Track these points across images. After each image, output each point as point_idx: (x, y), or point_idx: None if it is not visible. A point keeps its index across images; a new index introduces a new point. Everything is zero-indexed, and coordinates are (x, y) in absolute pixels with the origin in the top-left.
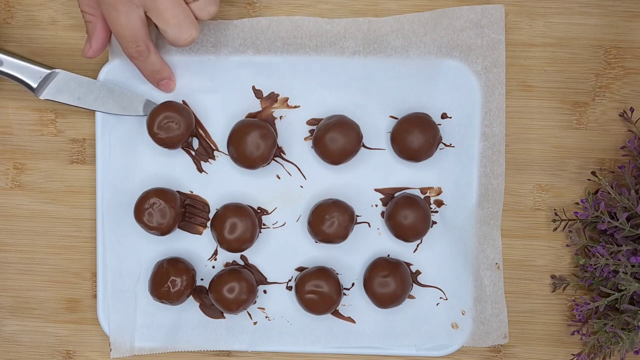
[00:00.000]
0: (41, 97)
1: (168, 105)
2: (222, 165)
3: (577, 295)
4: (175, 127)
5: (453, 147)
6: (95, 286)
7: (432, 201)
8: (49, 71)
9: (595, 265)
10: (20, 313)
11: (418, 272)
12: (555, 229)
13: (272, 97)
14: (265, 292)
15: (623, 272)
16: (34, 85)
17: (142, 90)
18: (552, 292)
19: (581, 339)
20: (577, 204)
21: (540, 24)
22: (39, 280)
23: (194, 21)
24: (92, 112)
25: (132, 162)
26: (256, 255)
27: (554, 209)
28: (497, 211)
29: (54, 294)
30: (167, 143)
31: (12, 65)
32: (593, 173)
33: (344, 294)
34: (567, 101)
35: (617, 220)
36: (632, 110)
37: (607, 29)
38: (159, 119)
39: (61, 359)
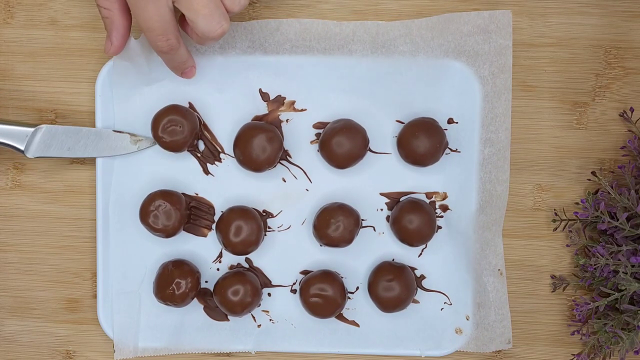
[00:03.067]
0: (31, 156)
1: (172, 109)
2: (228, 167)
3: (577, 295)
4: (179, 130)
5: (459, 152)
6: (95, 286)
7: (437, 206)
8: (32, 129)
9: (595, 265)
10: (20, 313)
11: (422, 277)
12: (555, 229)
13: (279, 100)
14: (269, 295)
15: (623, 272)
16: (22, 146)
17: (143, 92)
18: (552, 292)
19: (581, 339)
20: (577, 204)
21: (540, 24)
22: (39, 280)
23: (224, 12)
24: (92, 112)
25: (137, 164)
26: (261, 258)
27: (554, 209)
28: (499, 217)
29: (54, 294)
30: (171, 147)
31: None
32: (593, 173)
33: (349, 298)
34: (567, 101)
35: (617, 220)
36: (632, 110)
37: (607, 29)
38: (163, 122)
39: (61, 359)
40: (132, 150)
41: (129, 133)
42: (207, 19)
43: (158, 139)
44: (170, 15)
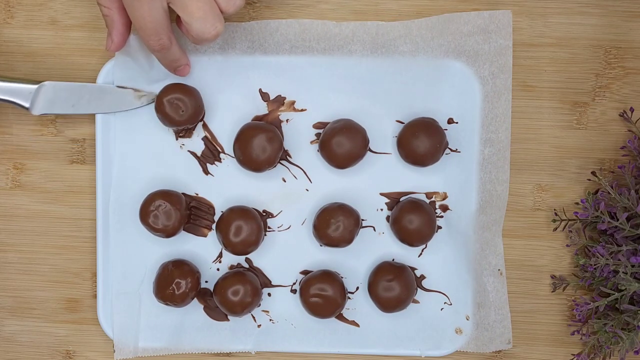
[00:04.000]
0: (36, 113)
1: (181, 87)
2: (228, 167)
3: (577, 295)
4: (181, 108)
5: (459, 152)
6: (95, 286)
7: (437, 206)
8: (36, 86)
9: (595, 265)
10: (20, 313)
11: (422, 277)
12: (555, 229)
13: (279, 100)
14: (269, 295)
15: (623, 272)
16: (27, 104)
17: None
18: (552, 292)
19: (581, 339)
20: (577, 204)
21: (540, 24)
22: (39, 280)
23: (219, 14)
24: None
25: (137, 164)
26: (261, 258)
27: (554, 209)
28: (499, 217)
29: (54, 294)
30: (171, 121)
31: (1, 90)
32: (593, 173)
33: (349, 298)
34: (567, 101)
35: (617, 220)
36: (632, 110)
37: (607, 29)
38: (170, 96)
39: (61, 359)
40: (135, 106)
41: (132, 88)
42: (201, 21)
43: (160, 107)
44: (163, 15)
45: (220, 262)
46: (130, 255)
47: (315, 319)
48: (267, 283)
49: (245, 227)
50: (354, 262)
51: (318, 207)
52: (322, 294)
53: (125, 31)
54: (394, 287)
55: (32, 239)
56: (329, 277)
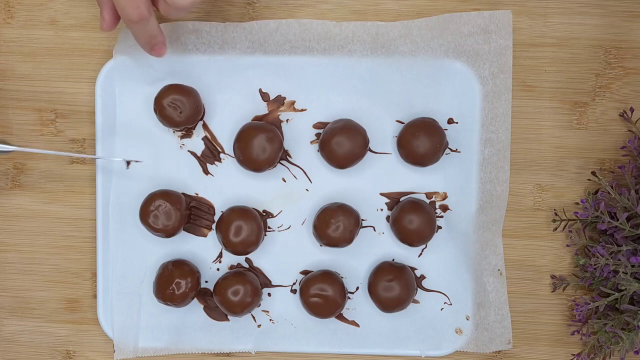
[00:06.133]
0: None
1: (179, 88)
2: (228, 167)
3: (577, 295)
4: (180, 109)
5: (459, 152)
6: (95, 286)
7: (437, 206)
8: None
9: (595, 265)
10: (20, 313)
11: (422, 277)
12: (555, 229)
13: (279, 100)
14: (269, 295)
15: (623, 272)
16: None
17: (144, 92)
18: (552, 292)
19: (581, 339)
20: (577, 204)
21: (541, 24)
22: (39, 280)
23: None
24: (92, 112)
25: (137, 164)
26: (261, 258)
27: (554, 209)
28: (499, 217)
29: (54, 294)
30: (170, 122)
31: None
32: (593, 173)
33: (349, 298)
34: (567, 101)
35: (617, 220)
36: (632, 110)
37: (607, 29)
38: (168, 97)
39: (61, 359)
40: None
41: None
42: None
43: (159, 108)
44: None
45: (220, 262)
46: (130, 255)
47: (315, 319)
48: (267, 283)
49: (245, 227)
50: (354, 262)
51: (318, 207)
52: (322, 294)
53: (115, 8)
54: (394, 287)
55: (32, 239)
56: (329, 277)
